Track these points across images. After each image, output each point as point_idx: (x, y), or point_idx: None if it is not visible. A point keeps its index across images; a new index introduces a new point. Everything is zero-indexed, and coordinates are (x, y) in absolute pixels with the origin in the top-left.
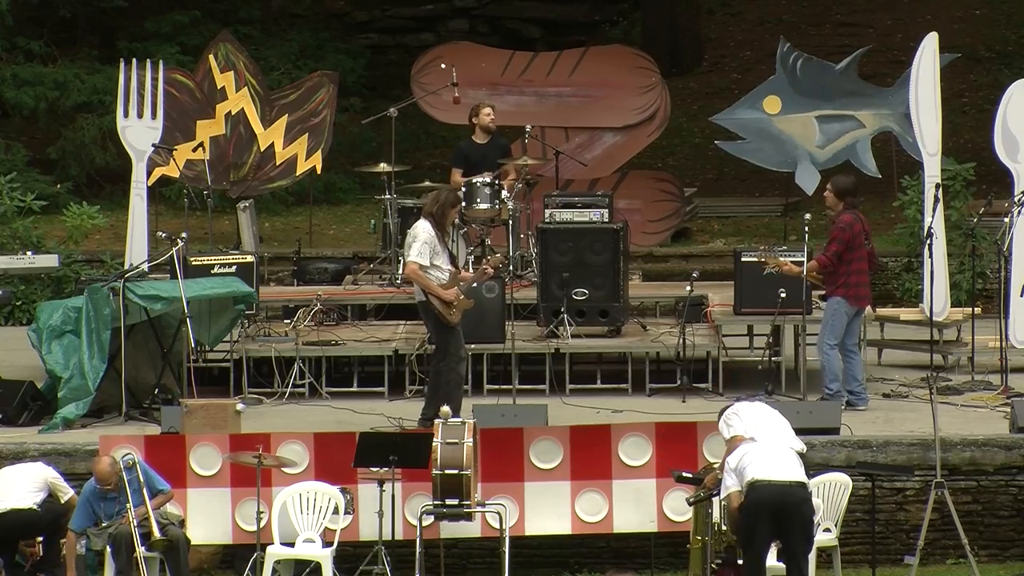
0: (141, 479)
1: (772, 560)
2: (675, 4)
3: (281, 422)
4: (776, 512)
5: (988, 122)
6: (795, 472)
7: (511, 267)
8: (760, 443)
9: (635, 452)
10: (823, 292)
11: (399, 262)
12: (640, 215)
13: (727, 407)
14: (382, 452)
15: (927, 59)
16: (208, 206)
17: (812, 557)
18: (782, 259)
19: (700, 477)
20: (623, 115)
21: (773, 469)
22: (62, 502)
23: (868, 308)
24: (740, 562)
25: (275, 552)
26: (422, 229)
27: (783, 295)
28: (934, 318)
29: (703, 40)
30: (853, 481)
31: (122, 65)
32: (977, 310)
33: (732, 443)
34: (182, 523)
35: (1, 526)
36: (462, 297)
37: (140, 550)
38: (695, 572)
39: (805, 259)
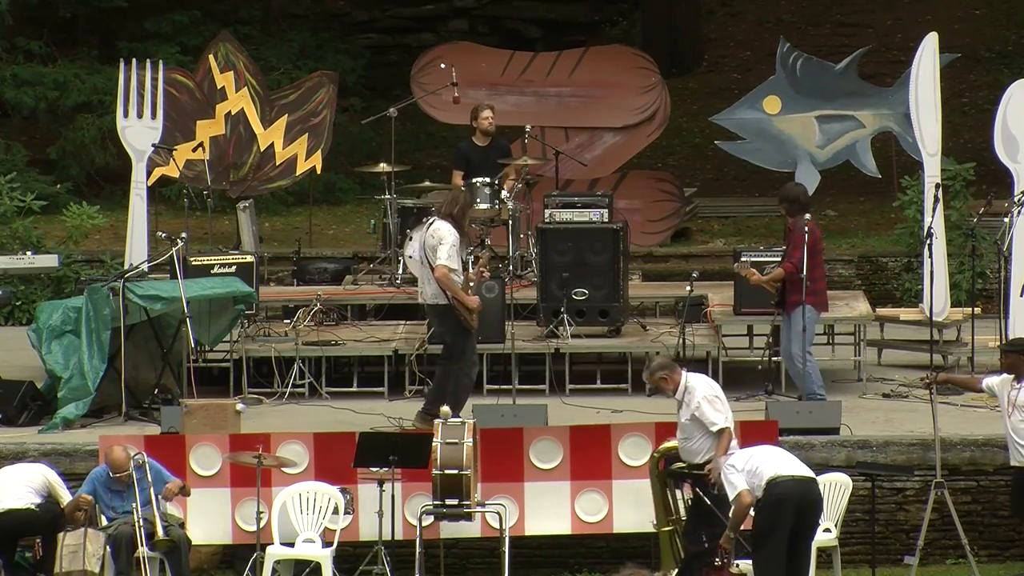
0: (150, 478)
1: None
2: (675, 4)
3: (281, 422)
4: (799, 507)
5: (988, 122)
6: (808, 470)
7: (511, 267)
8: (762, 447)
9: (635, 452)
10: (776, 300)
11: (399, 262)
12: (640, 215)
13: (683, 381)
14: (382, 452)
15: (927, 59)
16: (208, 206)
17: (812, 557)
18: (751, 269)
19: (693, 473)
20: (623, 115)
21: (788, 466)
22: (61, 506)
23: (868, 308)
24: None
25: (275, 552)
26: (447, 231)
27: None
28: (934, 318)
29: (703, 40)
30: (853, 481)
31: (122, 65)
32: (977, 310)
33: (725, 434)
34: (182, 525)
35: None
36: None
37: (143, 549)
38: (666, 558)
39: (805, 259)
